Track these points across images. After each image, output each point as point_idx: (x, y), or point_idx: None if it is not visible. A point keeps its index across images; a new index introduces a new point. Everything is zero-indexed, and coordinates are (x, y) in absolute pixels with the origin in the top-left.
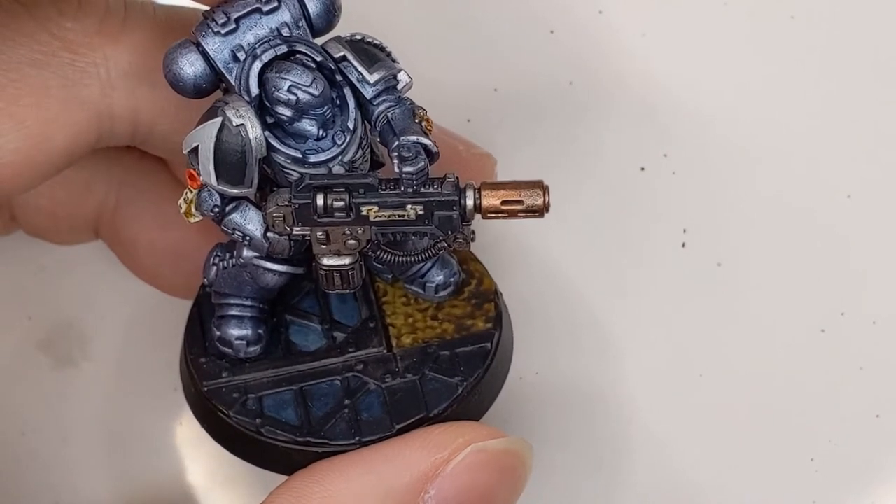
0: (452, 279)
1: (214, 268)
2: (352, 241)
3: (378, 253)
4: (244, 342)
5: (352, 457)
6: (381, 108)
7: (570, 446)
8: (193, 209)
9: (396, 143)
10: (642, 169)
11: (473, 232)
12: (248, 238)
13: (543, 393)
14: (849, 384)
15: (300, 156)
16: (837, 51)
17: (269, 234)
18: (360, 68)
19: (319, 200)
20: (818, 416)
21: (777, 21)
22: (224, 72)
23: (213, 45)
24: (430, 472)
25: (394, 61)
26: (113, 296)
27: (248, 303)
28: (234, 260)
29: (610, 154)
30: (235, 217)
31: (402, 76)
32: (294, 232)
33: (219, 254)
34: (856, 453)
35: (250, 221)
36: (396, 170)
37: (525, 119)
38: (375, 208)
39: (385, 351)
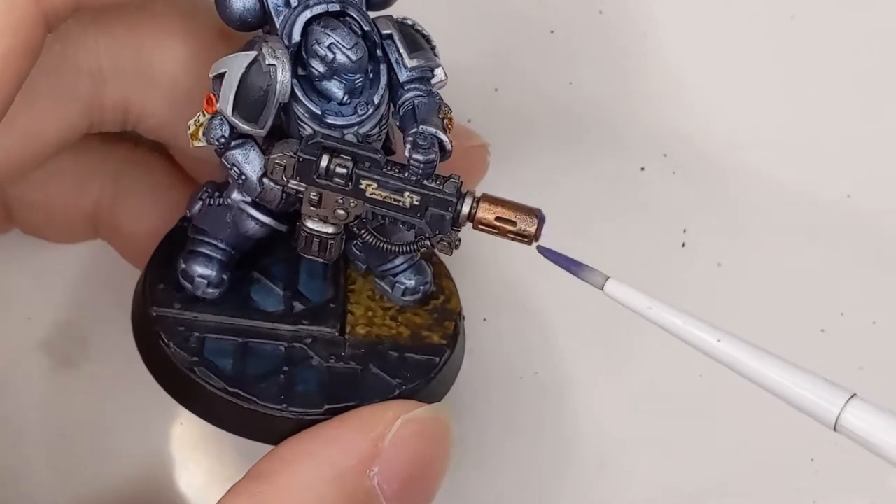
0: (422, 287)
1: (201, 202)
2: (341, 212)
3: (362, 232)
4: (205, 281)
5: (294, 450)
6: (410, 94)
7: (570, 447)
8: (201, 133)
9: (415, 129)
10: (642, 169)
11: (459, 240)
12: (243, 177)
13: (542, 393)
14: (849, 384)
15: (319, 113)
16: (838, 50)
17: (265, 180)
18: (402, 50)
19: (324, 161)
20: None
21: (777, 21)
22: (273, 12)
23: None
24: (370, 451)
25: (436, 55)
26: (113, 296)
27: (222, 245)
28: (221, 199)
29: (610, 154)
30: (237, 153)
31: (438, 72)
32: (289, 185)
33: (208, 190)
34: (856, 453)
35: (250, 162)
36: (406, 154)
37: (525, 119)
38: (374, 185)
39: (337, 334)
